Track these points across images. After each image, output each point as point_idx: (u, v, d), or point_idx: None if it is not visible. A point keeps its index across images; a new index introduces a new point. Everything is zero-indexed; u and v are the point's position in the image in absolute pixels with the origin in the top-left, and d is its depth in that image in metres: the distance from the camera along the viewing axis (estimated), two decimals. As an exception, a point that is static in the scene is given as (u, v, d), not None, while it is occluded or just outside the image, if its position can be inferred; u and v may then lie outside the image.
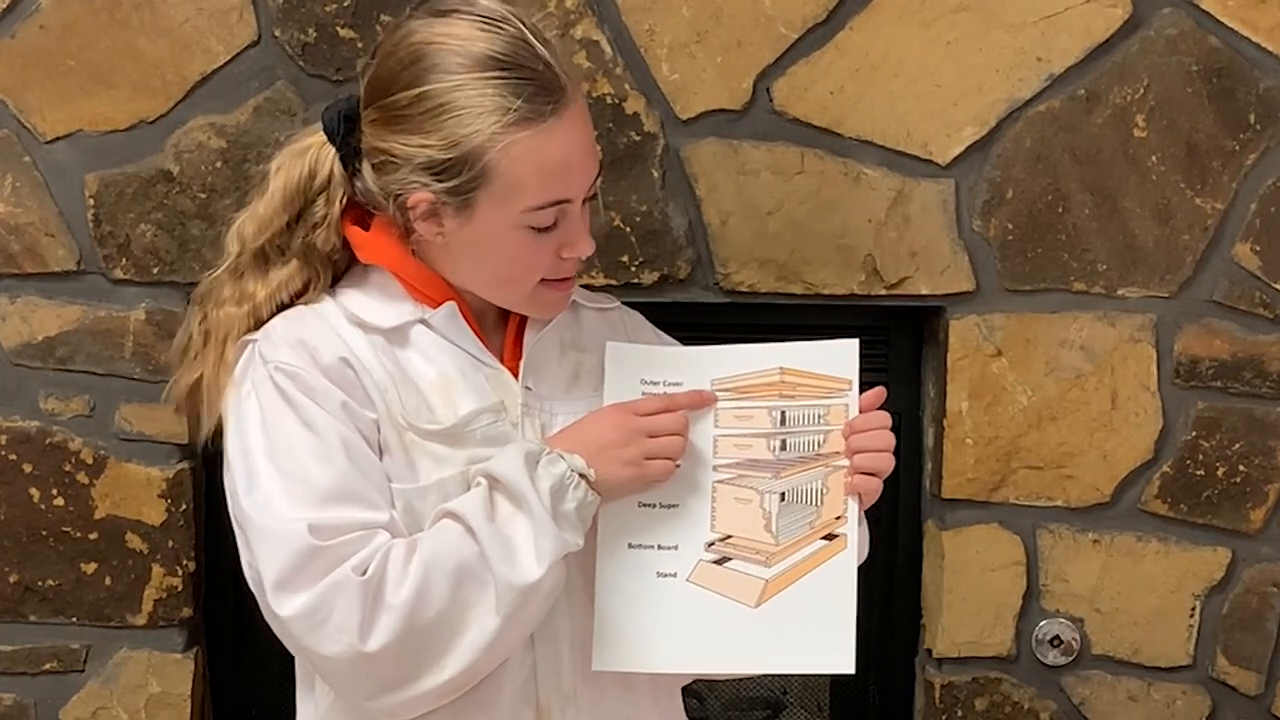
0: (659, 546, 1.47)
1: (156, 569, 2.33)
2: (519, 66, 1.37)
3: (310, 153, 1.49)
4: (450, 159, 1.38)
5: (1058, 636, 2.38)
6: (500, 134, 1.36)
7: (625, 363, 1.50)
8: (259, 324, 1.48)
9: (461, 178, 1.38)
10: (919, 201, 2.29)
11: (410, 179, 1.40)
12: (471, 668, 1.36)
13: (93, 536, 2.32)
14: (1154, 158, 2.29)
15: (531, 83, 1.37)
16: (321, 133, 1.48)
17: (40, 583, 2.33)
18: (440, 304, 1.47)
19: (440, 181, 1.39)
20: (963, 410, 2.33)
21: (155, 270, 2.27)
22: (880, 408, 1.50)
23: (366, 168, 1.44)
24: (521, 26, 1.40)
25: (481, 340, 1.48)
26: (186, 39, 2.22)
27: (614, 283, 2.27)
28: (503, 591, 1.34)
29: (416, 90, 1.38)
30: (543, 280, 1.46)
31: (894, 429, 2.40)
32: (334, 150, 1.47)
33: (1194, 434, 2.35)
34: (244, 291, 1.49)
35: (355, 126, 1.45)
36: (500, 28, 1.39)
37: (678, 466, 1.47)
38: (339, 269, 1.52)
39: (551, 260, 1.44)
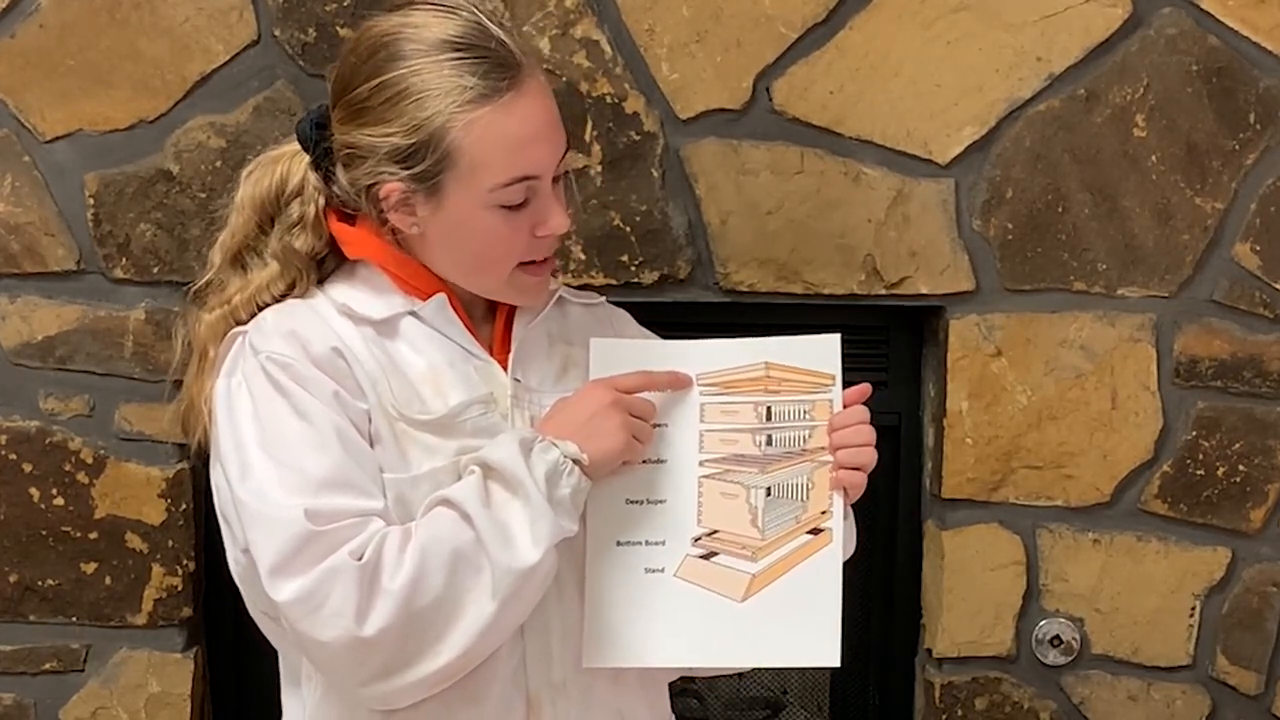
0: (646, 542, 1.48)
1: (156, 569, 2.33)
2: (472, 47, 1.39)
3: (283, 162, 1.51)
4: (414, 144, 1.39)
5: (1058, 636, 2.38)
6: (459, 113, 1.38)
7: (610, 358, 1.50)
8: (237, 325, 1.49)
9: (426, 162, 1.40)
10: (919, 201, 2.29)
11: (378, 170, 1.42)
12: (467, 654, 1.36)
13: (93, 536, 2.32)
14: (1154, 157, 2.29)
15: (486, 60, 1.39)
16: (296, 143, 1.50)
17: (40, 583, 2.33)
18: (429, 296, 1.48)
19: (407, 168, 1.40)
20: (963, 410, 2.33)
21: (155, 270, 2.27)
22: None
23: (339, 168, 1.46)
24: (475, 11, 1.43)
25: (471, 332, 1.49)
26: (186, 39, 2.22)
27: (614, 282, 2.27)
28: (500, 576, 1.35)
29: (376, 80, 1.40)
30: (520, 265, 1.46)
31: (894, 429, 2.43)
32: (307, 158, 1.49)
33: (1194, 434, 2.36)
34: (222, 298, 1.52)
35: (327, 130, 1.47)
36: (454, 14, 1.42)
37: (660, 462, 1.48)
38: (325, 270, 1.53)
39: (526, 240, 1.45)
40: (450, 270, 1.47)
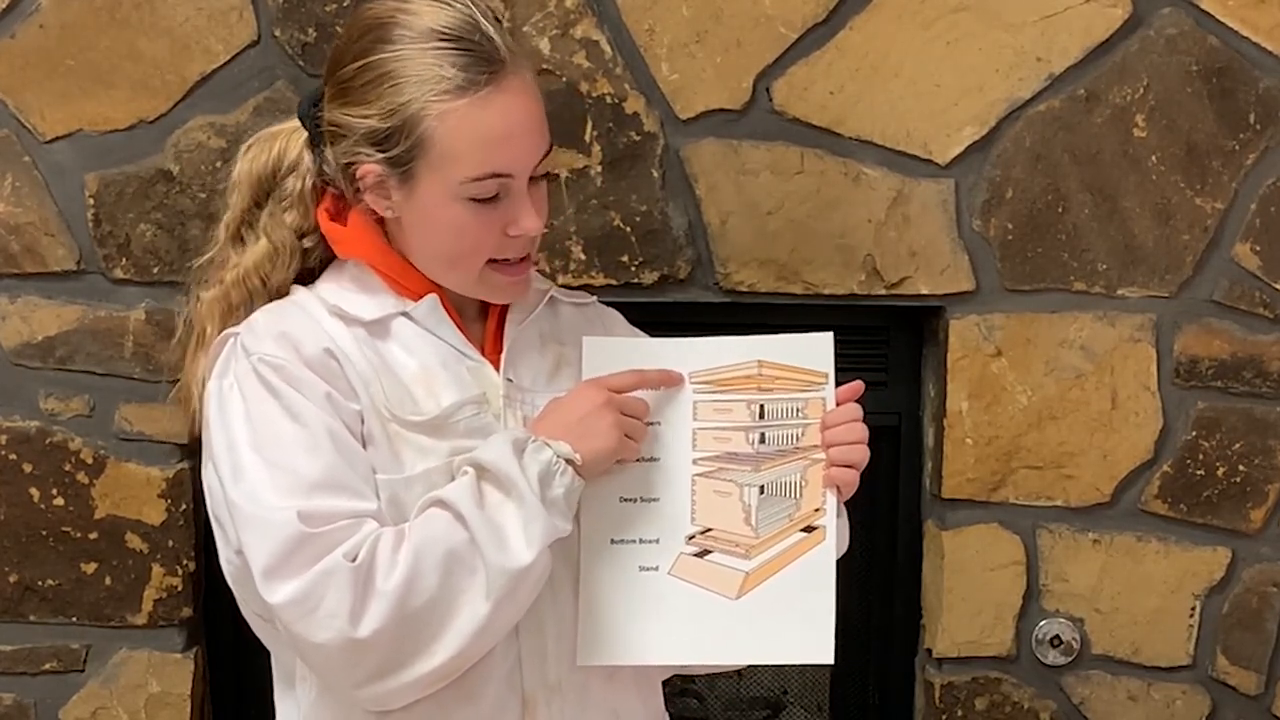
0: (640, 540, 1.48)
1: (156, 569, 2.33)
2: (459, 39, 1.40)
3: (280, 138, 1.53)
4: (389, 128, 1.40)
5: (1058, 636, 2.38)
6: (435, 102, 1.39)
7: (602, 356, 1.50)
8: (230, 308, 1.51)
9: (400, 147, 1.40)
10: (919, 201, 2.29)
11: (355, 150, 1.43)
12: (461, 654, 1.36)
13: (93, 536, 2.32)
14: (1154, 158, 2.29)
15: (469, 54, 1.40)
16: (296, 120, 1.52)
17: (40, 583, 2.33)
18: (420, 297, 1.48)
19: (382, 151, 1.41)
20: (963, 410, 2.33)
21: (155, 270, 2.27)
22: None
23: (327, 146, 1.47)
24: (471, 5, 1.43)
25: (463, 332, 1.50)
26: (186, 39, 2.22)
27: (614, 282, 2.27)
28: (494, 576, 1.35)
29: (362, 61, 1.42)
30: (492, 262, 1.46)
31: (894, 429, 2.43)
32: (305, 135, 1.50)
33: (1194, 434, 2.35)
34: (218, 276, 1.53)
35: (319, 107, 1.48)
36: (449, 5, 1.42)
37: (654, 460, 1.49)
38: (310, 260, 1.54)
39: (498, 238, 1.45)
40: (425, 262, 1.48)
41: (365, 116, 1.41)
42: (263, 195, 1.52)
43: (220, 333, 1.49)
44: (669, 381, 1.50)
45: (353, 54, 1.43)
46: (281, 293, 1.52)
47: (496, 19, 1.44)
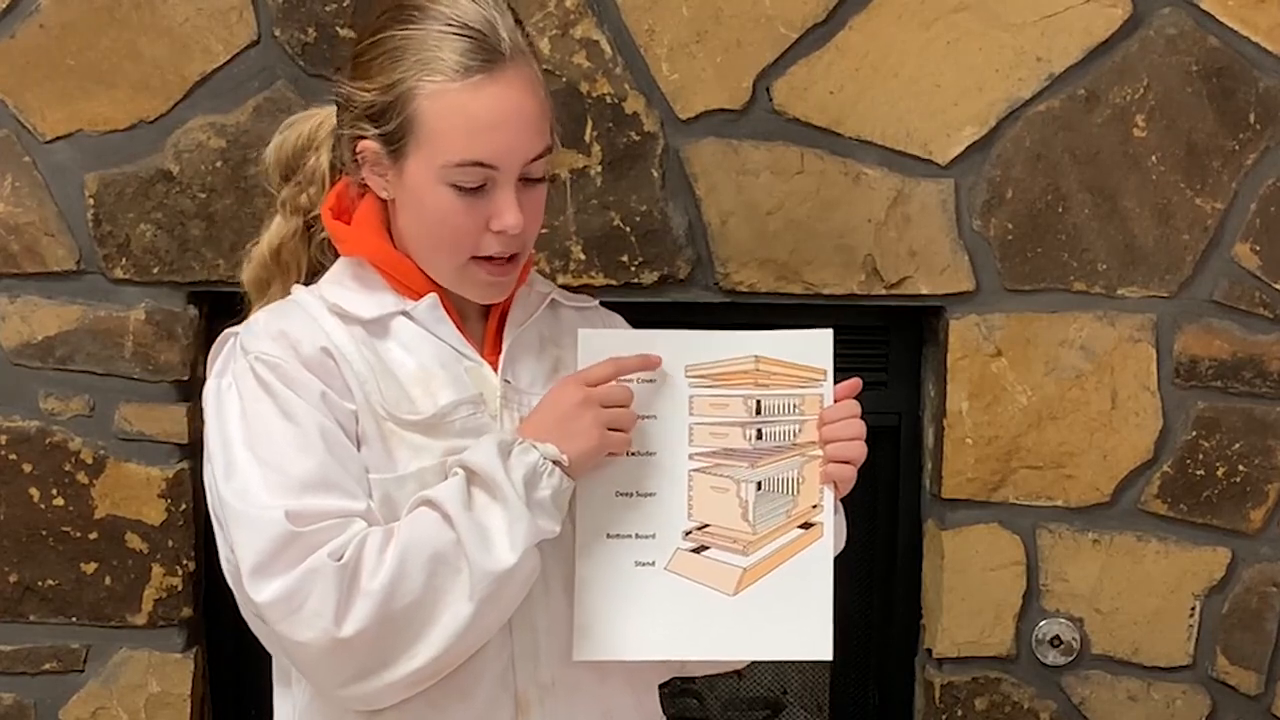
0: (637, 535, 1.48)
1: (156, 569, 2.33)
2: (465, 26, 1.41)
3: (315, 119, 1.57)
4: (384, 103, 1.43)
5: (1058, 636, 2.38)
6: (427, 81, 1.40)
7: (597, 350, 1.49)
8: (261, 286, 1.56)
9: (391, 124, 1.42)
10: (919, 201, 2.29)
11: (356, 124, 1.45)
12: (444, 655, 1.37)
13: (93, 536, 2.32)
14: (1154, 158, 2.29)
15: (469, 40, 1.41)
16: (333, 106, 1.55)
17: (40, 583, 2.33)
18: (422, 296, 1.49)
19: (376, 126, 1.43)
20: (963, 410, 2.33)
21: (155, 270, 2.27)
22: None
23: (341, 121, 1.50)
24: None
25: (462, 333, 1.50)
26: (186, 39, 2.22)
27: (614, 283, 2.28)
28: (477, 577, 1.35)
29: (375, 37, 1.45)
30: (476, 259, 1.46)
31: (894, 429, 2.43)
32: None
33: (1194, 434, 2.35)
34: (248, 255, 1.59)
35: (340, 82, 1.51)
36: None
37: (649, 454, 1.49)
38: (314, 245, 1.56)
39: (479, 231, 1.44)
40: (411, 246, 1.49)
41: (367, 90, 1.43)
42: (290, 173, 1.56)
43: (261, 308, 1.52)
44: (647, 366, 1.48)
45: (371, 30, 1.46)
46: (298, 274, 1.55)
47: (517, 20, 1.45)
